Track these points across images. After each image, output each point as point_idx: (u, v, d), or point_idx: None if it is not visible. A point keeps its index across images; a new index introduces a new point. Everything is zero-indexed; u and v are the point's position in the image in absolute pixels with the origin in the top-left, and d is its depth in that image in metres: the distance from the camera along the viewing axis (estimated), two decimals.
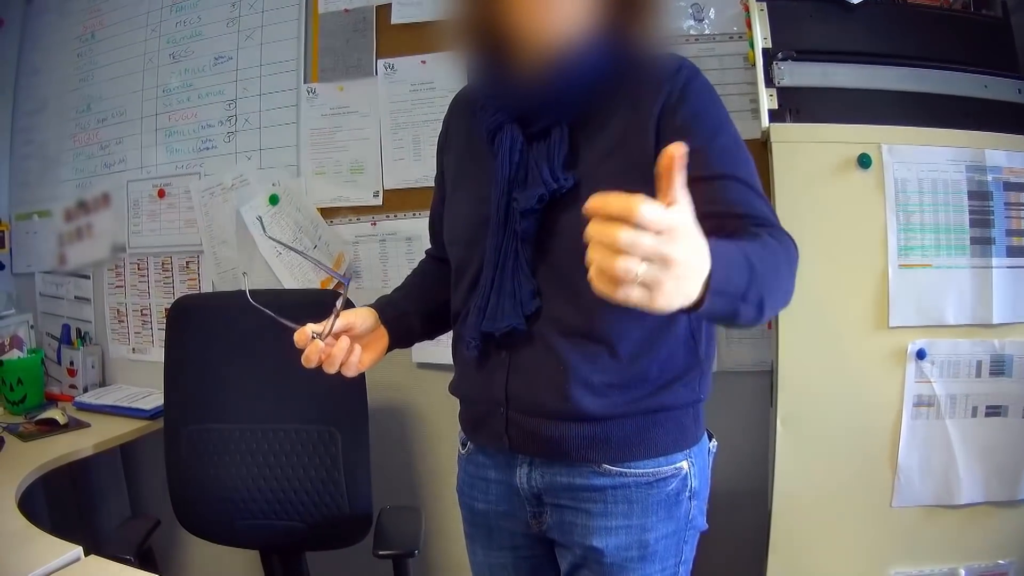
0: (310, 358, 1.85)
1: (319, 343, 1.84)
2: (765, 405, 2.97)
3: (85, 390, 4.16)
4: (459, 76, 2.12)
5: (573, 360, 1.81)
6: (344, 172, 3.68)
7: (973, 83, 2.76)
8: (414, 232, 3.53)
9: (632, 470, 1.90)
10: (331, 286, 3.63)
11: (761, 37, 2.79)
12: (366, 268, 3.66)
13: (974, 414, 2.62)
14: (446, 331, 2.18)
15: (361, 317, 2.02)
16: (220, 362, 3.18)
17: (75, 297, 4.36)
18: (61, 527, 3.17)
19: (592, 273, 1.23)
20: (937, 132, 2.61)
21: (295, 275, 3.68)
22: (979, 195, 2.58)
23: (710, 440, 2.07)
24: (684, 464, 1.94)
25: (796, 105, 2.73)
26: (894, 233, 2.58)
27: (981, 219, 2.58)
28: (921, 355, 2.59)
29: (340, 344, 1.90)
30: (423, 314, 2.19)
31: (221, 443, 3.15)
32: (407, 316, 2.16)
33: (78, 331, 4.32)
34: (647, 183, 1.70)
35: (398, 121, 3.58)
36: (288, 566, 3.27)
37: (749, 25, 2.89)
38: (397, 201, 3.61)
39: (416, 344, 2.30)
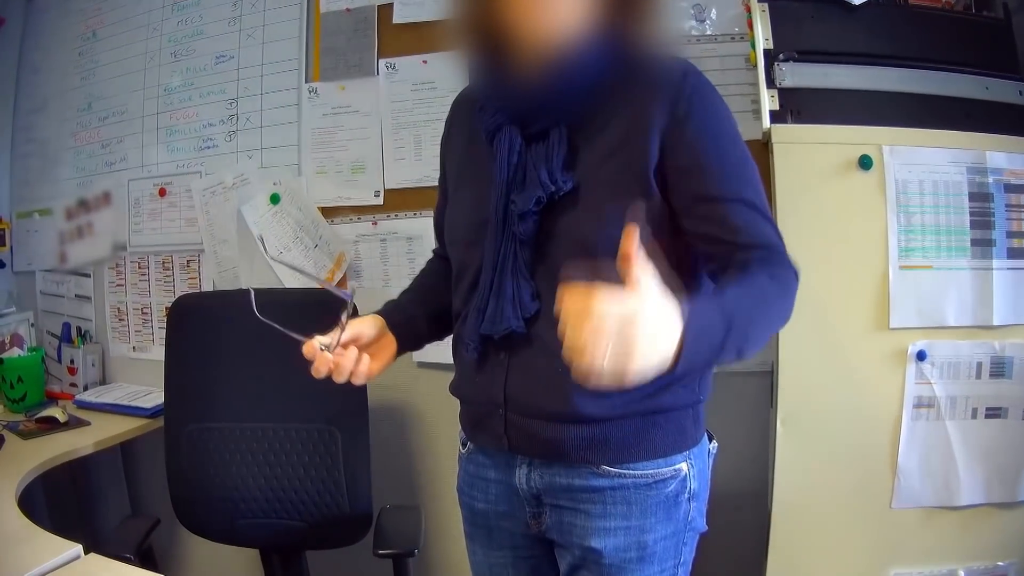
0: (319, 369, 1.85)
1: (327, 355, 1.85)
2: (765, 406, 2.97)
3: (85, 388, 4.17)
4: (460, 76, 2.12)
5: None
6: (345, 172, 3.68)
7: (974, 84, 2.75)
8: (415, 232, 3.53)
9: (631, 471, 1.90)
10: (334, 283, 3.63)
11: (763, 38, 2.79)
12: (367, 268, 3.66)
13: (974, 415, 2.62)
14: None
15: (368, 325, 2.01)
16: (220, 361, 3.19)
17: (76, 295, 4.36)
18: (61, 525, 3.18)
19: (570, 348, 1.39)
20: (938, 133, 2.61)
21: (296, 275, 3.68)
22: (980, 197, 2.58)
23: (710, 441, 2.07)
24: (683, 466, 1.94)
25: (797, 106, 2.73)
26: (895, 234, 2.58)
27: (982, 221, 2.58)
28: (921, 356, 2.59)
29: (348, 355, 1.89)
30: (430, 316, 2.18)
31: (221, 442, 3.15)
32: (414, 320, 2.15)
33: (78, 329, 4.32)
34: (645, 189, 1.72)
35: (399, 121, 3.58)
36: (288, 565, 3.28)
37: (750, 26, 2.89)
38: (398, 201, 3.61)
39: None
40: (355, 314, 1.95)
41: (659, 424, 1.76)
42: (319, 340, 1.84)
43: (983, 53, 2.82)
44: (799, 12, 2.82)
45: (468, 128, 2.10)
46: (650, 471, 1.91)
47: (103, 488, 4.29)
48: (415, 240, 3.53)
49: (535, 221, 1.84)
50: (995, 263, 2.58)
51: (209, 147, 3.93)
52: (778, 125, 2.69)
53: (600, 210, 1.79)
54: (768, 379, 2.87)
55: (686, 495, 1.95)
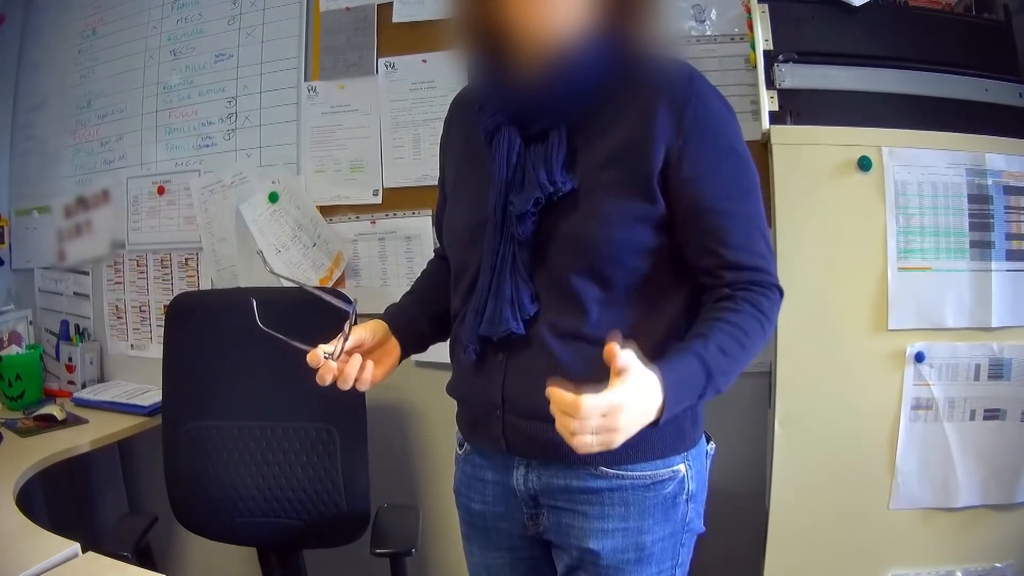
0: (324, 378, 1.86)
1: (331, 364, 1.85)
2: (762, 407, 2.97)
3: (83, 386, 4.18)
4: (460, 76, 2.12)
5: (570, 363, 1.81)
6: (344, 170, 3.68)
7: (974, 86, 2.75)
8: (413, 231, 3.52)
9: (629, 472, 1.90)
10: (330, 284, 3.63)
11: (762, 39, 2.78)
12: (365, 266, 3.66)
13: (972, 417, 2.62)
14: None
15: (371, 332, 2.02)
16: (218, 359, 3.19)
17: (74, 293, 4.36)
18: (59, 523, 3.18)
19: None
20: (938, 135, 2.61)
21: (294, 273, 3.67)
22: (979, 199, 2.58)
23: (708, 442, 2.08)
24: (681, 467, 1.95)
25: (797, 107, 2.73)
26: (894, 236, 2.58)
27: (981, 223, 2.58)
28: (920, 358, 2.59)
29: (352, 362, 1.91)
30: (433, 317, 2.18)
31: (219, 440, 3.16)
32: (417, 322, 2.16)
33: (77, 327, 4.33)
34: (648, 194, 1.72)
35: (398, 120, 3.58)
36: (285, 564, 3.28)
37: (750, 26, 2.89)
38: (397, 200, 3.60)
39: None
40: (356, 322, 1.95)
41: (658, 426, 1.76)
42: (323, 348, 1.85)
43: (983, 55, 2.82)
44: (799, 13, 2.82)
45: (466, 128, 2.10)
46: (648, 472, 1.91)
47: (101, 486, 4.30)
48: (413, 239, 3.53)
49: (534, 222, 1.84)
50: (994, 265, 2.58)
51: (208, 145, 3.93)
52: (777, 126, 2.69)
53: (600, 212, 1.80)
54: (766, 380, 2.87)
55: (684, 496, 1.96)
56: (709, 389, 1.70)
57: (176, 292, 3.90)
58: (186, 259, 4.02)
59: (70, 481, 4.15)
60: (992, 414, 2.61)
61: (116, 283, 4.23)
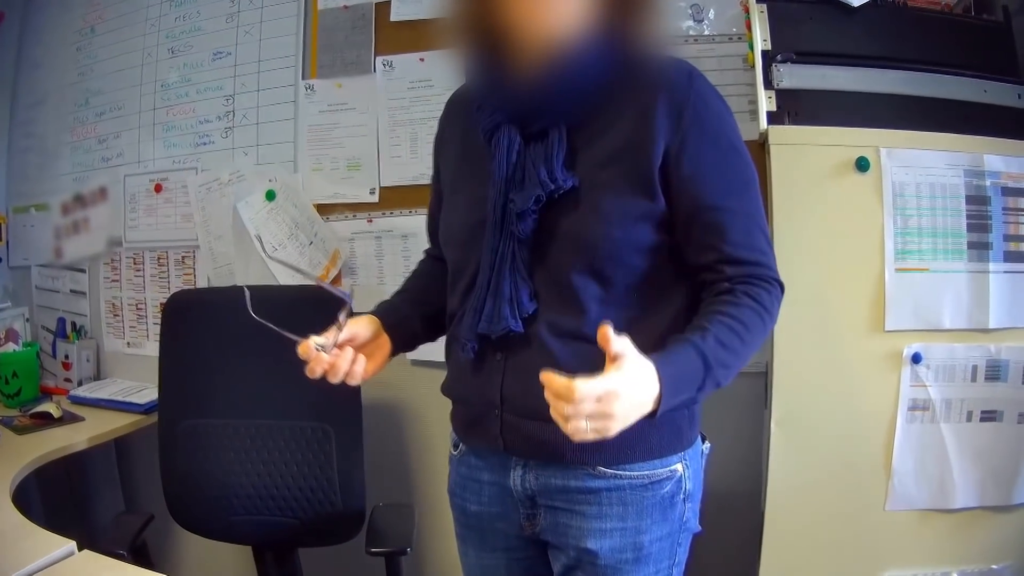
0: (314, 370, 1.85)
1: (323, 356, 1.84)
2: (759, 406, 2.97)
3: (80, 384, 4.17)
4: (457, 75, 2.11)
5: (569, 362, 1.81)
6: (341, 169, 3.68)
7: (973, 87, 2.75)
8: (410, 229, 3.52)
9: (627, 472, 1.90)
10: (328, 280, 3.62)
11: (760, 39, 2.79)
12: (362, 265, 3.66)
13: (969, 418, 2.62)
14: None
15: (364, 326, 2.01)
16: (215, 357, 3.19)
17: (71, 291, 4.36)
18: (55, 521, 3.17)
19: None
20: (936, 136, 2.61)
21: (292, 272, 3.67)
22: (977, 200, 2.58)
23: (703, 442, 2.07)
24: (679, 466, 1.94)
25: (795, 107, 2.73)
26: (891, 237, 2.58)
27: (979, 224, 2.58)
28: (917, 359, 2.59)
29: (344, 355, 1.89)
30: (424, 316, 2.17)
31: (215, 438, 3.15)
32: (409, 320, 2.15)
33: (73, 325, 4.33)
34: (649, 192, 1.72)
35: (396, 118, 3.58)
36: (281, 562, 3.27)
37: (749, 26, 2.89)
38: (394, 198, 3.60)
39: None
40: (351, 314, 1.94)
41: (655, 425, 1.75)
42: (315, 340, 1.84)
43: (982, 56, 2.82)
44: (798, 13, 2.82)
45: (463, 127, 2.10)
46: (646, 472, 1.91)
47: (97, 484, 4.29)
48: (410, 238, 3.53)
49: (534, 220, 1.84)
50: (991, 266, 2.58)
51: (205, 143, 3.93)
52: (775, 126, 2.69)
53: (601, 210, 1.80)
54: (762, 380, 2.88)
55: (681, 496, 1.96)
56: (708, 381, 1.68)
57: (173, 290, 3.89)
58: (183, 257, 4.02)
59: (66, 479, 4.15)
60: (989, 415, 2.61)
61: (113, 281, 4.23)
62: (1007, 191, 2.59)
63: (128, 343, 4.20)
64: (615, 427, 1.54)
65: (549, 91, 1.84)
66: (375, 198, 3.63)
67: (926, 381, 2.59)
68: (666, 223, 1.83)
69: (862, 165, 2.58)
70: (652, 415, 1.60)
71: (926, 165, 2.58)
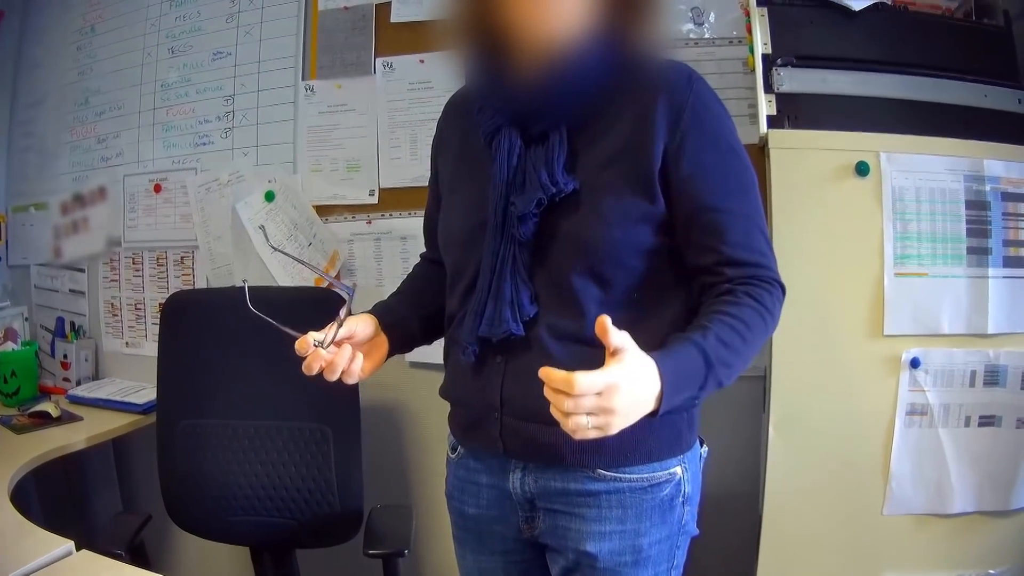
0: (312, 366, 1.82)
1: (321, 352, 1.82)
2: (757, 410, 2.97)
3: (78, 383, 4.18)
4: (457, 76, 2.11)
5: (569, 365, 1.81)
6: (340, 170, 3.68)
7: (973, 92, 2.75)
8: (409, 231, 3.53)
9: (627, 475, 1.90)
10: (325, 284, 3.62)
11: (761, 42, 2.79)
12: (360, 266, 3.66)
13: (967, 424, 2.62)
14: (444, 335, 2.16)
15: (362, 324, 1.99)
16: (213, 358, 3.19)
17: (70, 290, 4.36)
18: (53, 521, 3.17)
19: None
20: (936, 141, 2.61)
21: (289, 272, 3.67)
22: (977, 205, 2.58)
23: (701, 446, 2.07)
24: (678, 469, 1.94)
25: (795, 111, 2.73)
26: (891, 241, 2.58)
27: (978, 229, 2.58)
28: (915, 364, 2.59)
29: (342, 352, 1.87)
30: (422, 319, 2.17)
31: (213, 439, 3.15)
32: (406, 321, 2.14)
33: (72, 324, 4.33)
34: (649, 194, 1.72)
35: (395, 120, 3.58)
36: (279, 563, 3.27)
37: (749, 30, 2.89)
38: (393, 200, 3.61)
39: None
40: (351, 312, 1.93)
41: (655, 428, 1.75)
42: (313, 336, 1.83)
43: (983, 60, 2.82)
44: (798, 17, 2.81)
45: (462, 129, 2.10)
46: (645, 475, 1.91)
47: (95, 484, 4.29)
48: (409, 239, 3.53)
49: (535, 223, 1.84)
50: (991, 271, 2.58)
51: (205, 143, 3.93)
52: (775, 130, 2.69)
53: (601, 212, 1.80)
54: (760, 384, 2.88)
55: (680, 499, 1.96)
56: (710, 380, 1.67)
57: (172, 290, 3.90)
58: (182, 257, 4.02)
59: (64, 479, 4.14)
60: (987, 420, 2.61)
61: (112, 280, 4.23)
62: (1007, 196, 2.59)
63: (127, 343, 4.21)
64: (617, 423, 1.51)
65: (550, 93, 1.84)
66: (374, 199, 3.63)
67: (925, 386, 2.59)
68: (666, 225, 1.83)
69: (862, 169, 2.58)
70: (653, 414, 1.59)
71: (926, 170, 2.58)
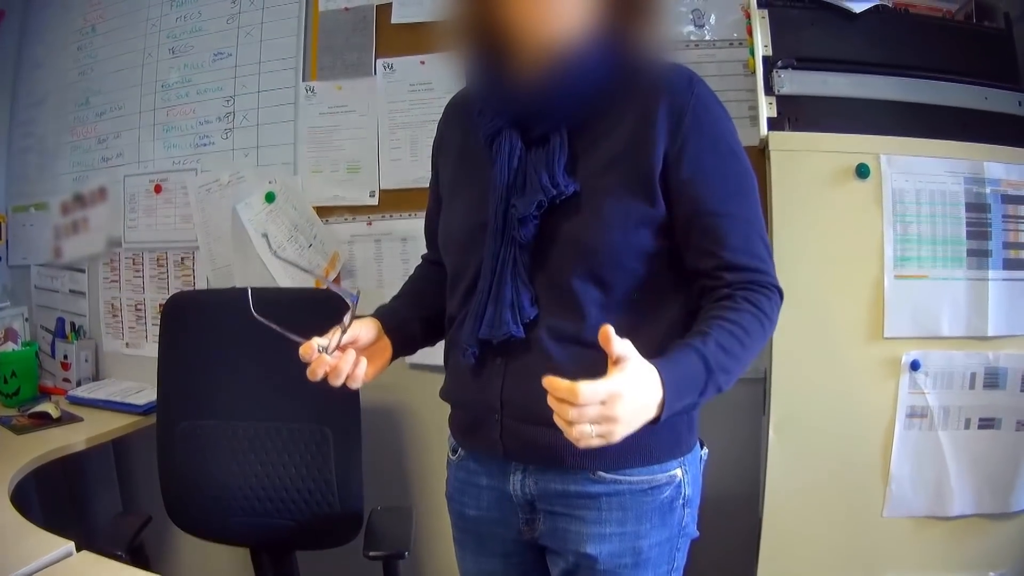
0: (316, 372, 1.82)
1: (325, 357, 1.82)
2: (756, 412, 2.97)
3: (79, 384, 4.18)
4: (458, 78, 2.11)
5: (569, 367, 1.81)
6: (341, 171, 3.68)
7: (973, 94, 2.75)
8: (409, 232, 3.53)
9: (627, 477, 1.90)
10: (324, 286, 3.62)
11: (762, 44, 2.78)
12: (361, 268, 3.66)
13: (967, 426, 2.62)
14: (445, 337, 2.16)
15: (366, 328, 1.99)
16: (213, 359, 3.20)
17: (70, 291, 4.36)
18: (53, 521, 3.17)
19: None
20: (936, 143, 2.60)
21: (290, 274, 3.67)
22: (977, 207, 2.58)
23: (702, 448, 2.07)
24: (678, 472, 1.95)
25: (795, 113, 2.72)
26: (891, 244, 2.58)
27: (978, 231, 2.58)
28: (915, 366, 2.59)
29: (346, 357, 1.86)
30: (424, 321, 2.16)
31: (213, 440, 3.16)
32: (409, 324, 2.14)
33: (72, 325, 4.33)
34: (649, 196, 1.72)
35: (396, 121, 3.59)
36: (278, 565, 3.27)
37: (750, 32, 2.89)
38: (393, 201, 3.61)
39: None
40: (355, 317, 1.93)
41: (655, 430, 1.75)
42: (317, 342, 1.82)
43: (983, 63, 2.82)
44: (799, 19, 2.81)
45: (463, 131, 2.10)
46: (645, 477, 1.91)
47: (95, 485, 4.29)
48: (409, 241, 3.53)
49: (535, 225, 1.84)
50: (991, 274, 2.58)
51: (205, 144, 3.94)
52: (776, 132, 2.69)
53: (602, 215, 1.80)
54: (760, 386, 2.88)
55: (680, 501, 1.96)
56: (710, 386, 1.67)
57: (172, 291, 3.90)
58: (182, 258, 4.03)
59: (64, 479, 4.15)
60: (987, 423, 2.61)
61: (112, 281, 4.23)
62: (1007, 198, 2.59)
63: (127, 344, 4.21)
64: (620, 431, 1.51)
65: (550, 95, 1.85)
66: (375, 201, 3.64)
67: (924, 388, 2.59)
68: (666, 228, 1.83)
69: (862, 172, 2.58)
70: (655, 420, 1.58)
71: (926, 172, 2.58)
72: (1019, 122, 2.75)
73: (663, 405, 1.57)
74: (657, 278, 1.85)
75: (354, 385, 1.89)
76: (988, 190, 2.58)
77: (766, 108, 2.73)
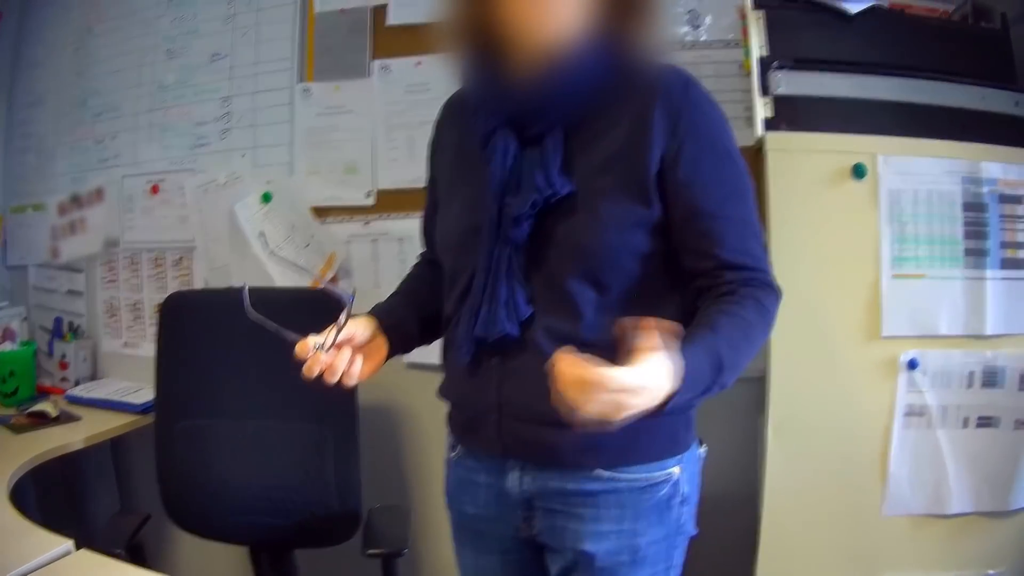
0: (312, 369, 1.82)
1: (321, 355, 1.82)
2: (754, 412, 2.97)
3: (76, 383, 4.18)
4: (454, 79, 2.11)
5: None
6: (338, 172, 3.68)
7: (970, 95, 2.75)
8: (406, 233, 3.52)
9: (624, 475, 1.90)
10: (321, 287, 3.62)
11: (757, 45, 2.79)
12: (357, 268, 3.67)
13: (965, 425, 2.62)
14: (442, 336, 2.16)
15: (361, 327, 1.99)
16: (211, 358, 3.20)
17: (68, 291, 4.36)
18: (51, 520, 3.18)
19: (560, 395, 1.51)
20: (933, 143, 2.61)
21: (288, 274, 3.68)
22: (974, 207, 2.58)
23: (700, 446, 2.08)
24: (676, 470, 1.95)
25: (791, 114, 2.72)
26: (888, 243, 2.58)
27: (975, 231, 2.58)
28: (913, 365, 2.59)
29: (341, 355, 1.87)
30: (420, 320, 2.16)
31: (211, 439, 3.16)
32: (405, 323, 2.13)
33: (70, 324, 4.33)
34: (645, 198, 1.73)
35: (392, 122, 3.59)
36: (277, 563, 3.28)
37: (746, 33, 2.89)
38: (390, 202, 3.61)
39: None
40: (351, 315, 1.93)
41: (653, 429, 1.76)
42: (312, 340, 1.83)
43: (980, 63, 2.82)
44: (795, 20, 2.81)
45: (459, 132, 2.11)
46: (643, 475, 1.92)
47: (93, 484, 4.29)
48: (406, 241, 3.53)
49: (530, 225, 1.84)
50: (988, 273, 2.59)
51: (202, 145, 3.94)
52: (772, 133, 2.69)
53: (598, 216, 1.80)
54: (759, 385, 2.87)
55: (678, 499, 1.97)
56: (716, 385, 1.67)
57: (170, 291, 3.87)
58: (180, 258, 4.03)
59: (62, 478, 4.15)
60: (985, 422, 2.62)
61: (110, 281, 4.23)
62: (1004, 198, 2.60)
63: (125, 343, 4.21)
64: (622, 421, 1.50)
65: (546, 95, 1.85)
66: (371, 201, 3.64)
67: (922, 387, 2.60)
68: (662, 229, 1.84)
69: (859, 172, 2.59)
70: (658, 412, 1.57)
71: (923, 172, 2.59)
72: (1016, 122, 2.75)
73: (670, 398, 1.56)
74: (653, 279, 1.86)
75: (350, 383, 1.90)
76: (985, 190, 2.59)
77: (762, 109, 2.73)
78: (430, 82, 3.50)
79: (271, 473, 3.11)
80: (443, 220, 2.10)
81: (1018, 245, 2.60)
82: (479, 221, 1.90)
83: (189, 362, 3.23)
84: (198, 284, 3.98)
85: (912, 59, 2.79)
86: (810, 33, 2.81)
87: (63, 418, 3.68)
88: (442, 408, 2.18)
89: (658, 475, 1.93)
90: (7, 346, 4.10)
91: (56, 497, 4.16)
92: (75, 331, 4.31)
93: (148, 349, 3.85)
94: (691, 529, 2.04)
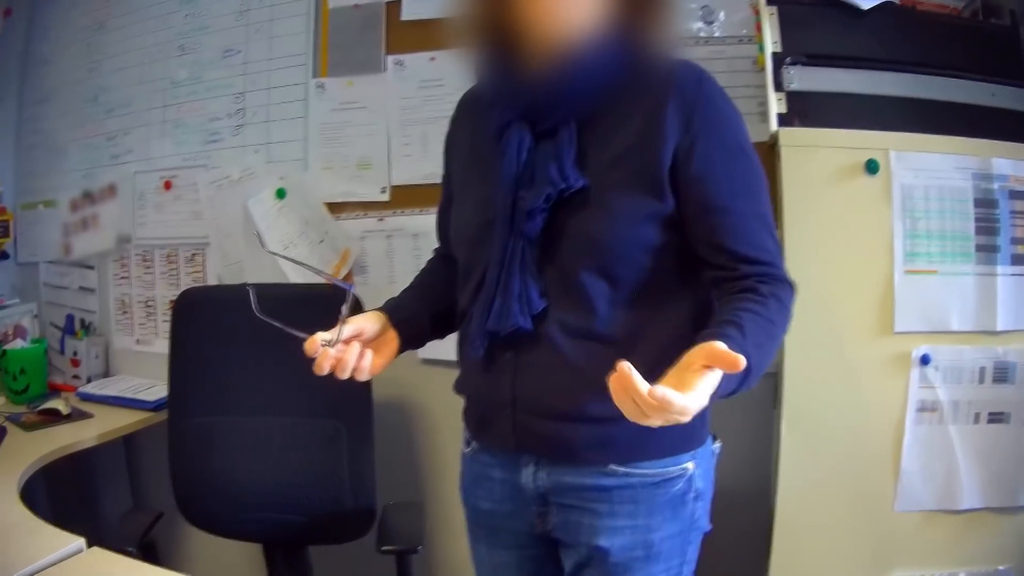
0: (322, 366, 1.83)
1: (330, 351, 1.83)
2: (768, 406, 2.97)
3: (88, 380, 4.19)
4: (468, 74, 2.11)
5: (579, 361, 1.82)
6: (351, 167, 3.68)
7: (981, 91, 2.75)
8: (421, 228, 3.52)
9: (639, 471, 1.91)
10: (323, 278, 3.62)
11: (771, 41, 2.79)
12: (372, 264, 3.66)
13: (976, 420, 2.62)
14: (456, 330, 2.16)
15: (370, 321, 2.00)
16: (224, 355, 3.21)
17: (79, 287, 4.37)
18: (63, 518, 3.19)
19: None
20: (944, 139, 2.61)
21: (299, 269, 3.67)
22: (985, 203, 2.58)
23: (714, 441, 2.08)
24: (690, 465, 1.96)
25: (804, 109, 2.73)
26: (900, 239, 2.58)
27: (987, 227, 2.58)
28: (925, 361, 2.59)
29: (351, 350, 1.88)
30: (433, 314, 2.17)
31: (225, 436, 3.17)
32: (417, 317, 2.14)
33: (82, 321, 4.33)
34: (658, 193, 1.73)
35: (407, 117, 3.59)
36: (291, 560, 3.28)
37: (759, 29, 2.89)
38: (404, 197, 3.61)
39: None
40: (358, 308, 1.94)
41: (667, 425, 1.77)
42: (321, 336, 1.83)
43: (990, 60, 2.82)
44: (808, 16, 2.82)
45: (473, 127, 2.12)
46: (657, 470, 1.93)
47: (105, 481, 4.30)
48: (421, 237, 3.53)
49: (543, 219, 1.84)
50: (999, 269, 2.58)
51: (215, 141, 3.94)
52: (785, 128, 2.69)
53: (611, 210, 1.81)
54: (772, 380, 2.88)
55: (692, 494, 1.97)
56: (742, 387, 1.66)
57: (183, 287, 3.89)
58: (193, 254, 4.03)
59: (74, 476, 4.15)
60: (997, 417, 2.61)
61: (122, 278, 4.24)
62: (1015, 194, 2.59)
63: (137, 340, 4.22)
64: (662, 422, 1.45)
65: (560, 89, 1.86)
66: (386, 197, 3.64)
67: (934, 383, 2.60)
68: (675, 223, 1.84)
69: (871, 167, 2.59)
70: None
71: (935, 168, 2.59)
72: None
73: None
74: (666, 273, 1.86)
75: (361, 377, 1.90)
76: (996, 186, 2.59)
77: (776, 104, 2.73)
78: (444, 77, 3.49)
79: (285, 470, 3.12)
80: (457, 214, 2.11)
81: None
82: (493, 215, 1.91)
83: (202, 359, 3.23)
84: (211, 280, 3.98)
85: (923, 55, 2.79)
86: (822, 29, 2.81)
87: (75, 415, 3.69)
88: (456, 404, 2.18)
89: (672, 470, 1.94)
90: (18, 343, 4.10)
91: (68, 495, 4.17)
92: (87, 328, 4.31)
93: (161, 346, 3.87)
94: (705, 525, 2.05)
